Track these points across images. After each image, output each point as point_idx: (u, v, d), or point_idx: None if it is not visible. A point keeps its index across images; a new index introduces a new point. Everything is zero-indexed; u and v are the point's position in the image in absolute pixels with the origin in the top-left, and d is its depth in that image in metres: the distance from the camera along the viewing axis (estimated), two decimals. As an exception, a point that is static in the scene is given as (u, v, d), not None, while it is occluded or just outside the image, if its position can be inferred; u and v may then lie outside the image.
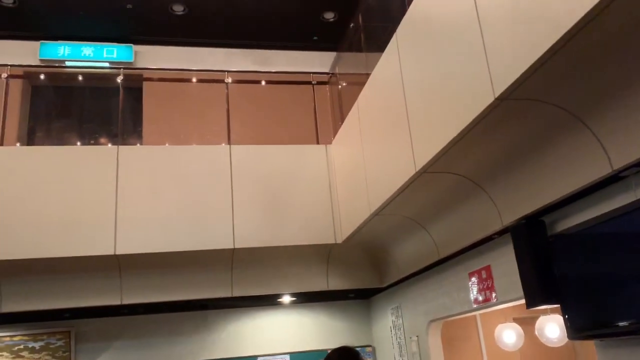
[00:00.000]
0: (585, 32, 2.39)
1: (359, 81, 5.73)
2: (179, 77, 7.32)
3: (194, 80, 7.39)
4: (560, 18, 2.42)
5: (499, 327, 5.89)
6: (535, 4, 2.61)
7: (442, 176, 4.04)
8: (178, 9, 7.86)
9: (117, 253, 5.49)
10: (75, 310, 5.90)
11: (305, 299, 6.96)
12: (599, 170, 3.02)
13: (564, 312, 3.53)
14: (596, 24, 2.34)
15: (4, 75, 6.29)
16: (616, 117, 2.82)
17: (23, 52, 7.73)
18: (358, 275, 6.42)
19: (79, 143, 7.34)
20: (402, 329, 6.42)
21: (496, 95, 2.92)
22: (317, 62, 8.12)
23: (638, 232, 3.01)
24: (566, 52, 2.54)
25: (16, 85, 6.99)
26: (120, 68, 6.93)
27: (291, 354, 7.03)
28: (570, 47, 2.50)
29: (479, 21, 3.10)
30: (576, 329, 3.46)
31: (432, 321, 5.73)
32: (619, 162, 2.89)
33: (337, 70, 7.29)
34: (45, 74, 7.77)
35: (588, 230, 3.36)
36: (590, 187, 3.21)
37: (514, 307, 5.05)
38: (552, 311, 4.84)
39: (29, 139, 7.35)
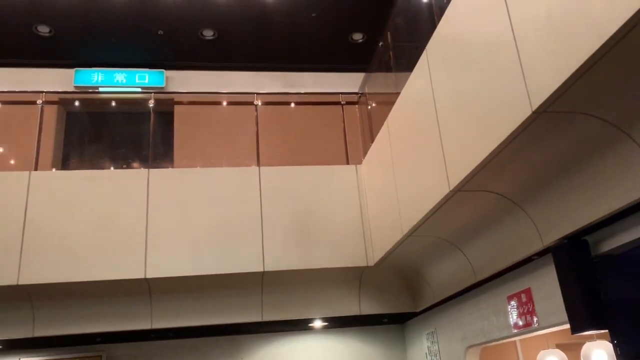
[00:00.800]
0: (624, 41, 2.26)
1: (389, 100, 5.65)
2: (209, 100, 7.39)
3: (224, 103, 7.44)
4: (599, 27, 2.29)
5: (541, 353, 5.61)
6: (572, 16, 2.49)
7: (477, 195, 3.89)
8: (208, 33, 7.97)
9: (148, 277, 5.47)
10: (106, 334, 5.89)
11: (337, 323, 6.80)
12: (648, 185, 2.84)
13: (613, 337, 3.31)
14: (637, 31, 2.21)
15: (39, 101, 6.43)
16: (665, 128, 2.65)
17: (58, 80, 7.94)
18: (391, 300, 6.24)
19: (111, 168, 7.44)
20: (438, 355, 6.19)
21: (534, 109, 2.79)
22: (345, 83, 8.08)
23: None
24: (606, 62, 2.40)
25: (51, 112, 7.14)
26: (151, 92, 7.02)
27: (323, 380, 6.85)
28: (610, 57, 2.37)
29: (513, 34, 2.99)
30: (626, 356, 3.23)
31: (469, 347, 5.50)
32: (670, 177, 2.71)
33: (366, 90, 7.24)
34: (79, 100, 7.94)
35: (636, 250, 3.16)
36: (636, 204, 3.02)
37: (557, 332, 4.78)
38: (599, 337, 4.59)
39: (63, 163, 7.48)
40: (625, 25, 2.18)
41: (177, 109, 7.61)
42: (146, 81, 8.23)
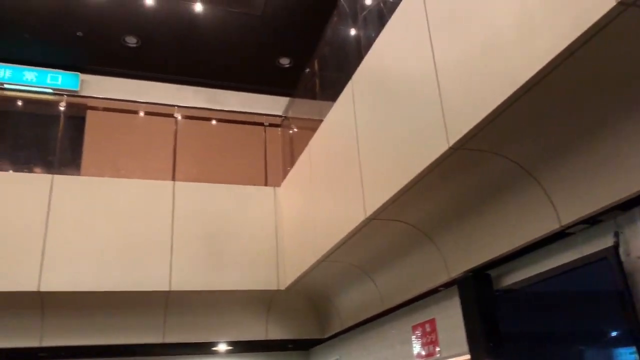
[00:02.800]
0: (539, 87, 2.44)
1: (311, 126, 5.70)
2: (126, 109, 7.09)
3: (142, 113, 7.18)
4: (516, 72, 2.46)
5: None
6: (492, 59, 2.65)
7: (391, 224, 3.98)
8: (131, 40, 7.71)
9: (41, 290, 5.06)
10: (-14, 351, 5.36)
11: (242, 348, 6.63)
12: (548, 225, 3.03)
13: (510, 369, 3.46)
14: (550, 79, 2.39)
15: None
16: (566, 173, 2.86)
17: (-42, 71, 7.33)
18: (299, 325, 6.20)
19: (10, 170, 6.90)
20: (341, 383, 6.19)
21: (450, 144, 2.92)
22: (270, 105, 8.10)
23: (583, 289, 3.02)
24: (520, 106, 2.57)
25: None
26: (63, 94, 6.64)
27: (223, 407, 6.62)
28: (523, 101, 2.54)
29: (436, 72, 3.13)
30: (521, 388, 3.39)
31: (372, 375, 5.54)
32: (567, 218, 2.91)
33: (290, 114, 7.28)
34: (-20, 95, 7.37)
35: (534, 286, 3.35)
36: (537, 242, 3.22)
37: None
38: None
39: (-45, 162, 6.86)
40: (539, 73, 2.35)
41: (91, 114, 7.23)
42: (59, 82, 7.79)
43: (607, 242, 2.85)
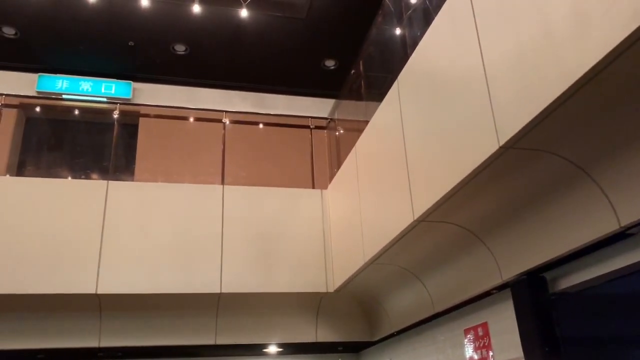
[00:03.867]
0: (592, 83, 2.34)
1: (358, 128, 5.68)
2: (176, 115, 7.27)
3: (191, 119, 7.34)
4: (568, 69, 2.36)
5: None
6: (543, 55, 2.55)
7: (440, 226, 3.91)
8: (180, 48, 7.90)
9: (99, 292, 5.25)
10: (50, 351, 5.58)
11: (292, 350, 6.67)
12: (606, 226, 2.90)
13: (567, 375, 3.33)
14: (604, 75, 2.29)
15: (-2, 104, 6.21)
16: (625, 171, 2.72)
17: (21, 84, 7.69)
18: (348, 328, 6.17)
19: (69, 177, 7.20)
20: (392, 386, 6.12)
21: (501, 144, 2.83)
22: (315, 107, 8.12)
23: (646, 293, 2.87)
24: (573, 103, 2.47)
25: (10, 116, 6.90)
26: (117, 103, 6.87)
27: (274, 408, 6.67)
28: (577, 98, 2.44)
29: (484, 70, 3.05)
30: (579, 395, 3.26)
31: (424, 379, 5.46)
32: (627, 219, 2.77)
33: (335, 116, 7.28)
34: (41, 106, 7.70)
35: (592, 290, 3.21)
36: (595, 243, 3.08)
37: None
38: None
39: (19, 170, 7.21)
40: (592, 69, 2.24)
41: (143, 121, 7.47)
42: (112, 92, 8.06)
43: (672, 243, 2.70)
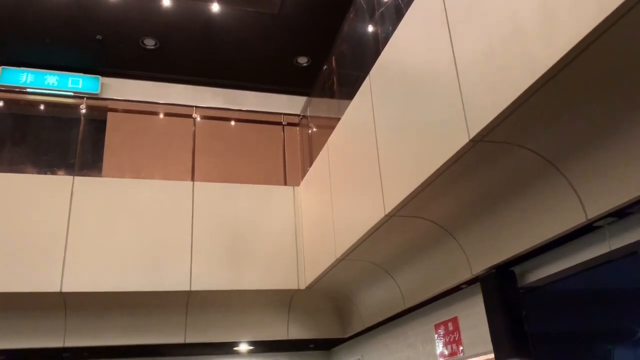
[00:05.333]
0: (559, 77, 2.36)
1: (330, 124, 5.66)
2: (146, 110, 7.13)
3: (161, 114, 7.21)
4: (536, 63, 2.38)
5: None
6: (512, 50, 2.57)
7: (411, 221, 3.91)
8: (149, 42, 7.76)
9: (64, 290, 5.11)
10: (12, 352, 5.41)
11: (264, 348, 6.61)
12: (573, 219, 2.94)
13: (535, 368, 3.37)
14: (570, 70, 2.31)
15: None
16: (592, 165, 2.76)
17: (-18, 76, 7.45)
18: (320, 325, 6.15)
19: (33, 173, 6.99)
20: (363, 383, 6.12)
21: (471, 137, 2.84)
22: (288, 104, 8.07)
23: (612, 285, 2.92)
24: (541, 97, 2.49)
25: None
26: (84, 97, 6.70)
27: (245, 407, 6.61)
28: (544, 92, 2.46)
29: (455, 65, 3.06)
30: (547, 387, 3.30)
31: (395, 375, 5.47)
32: (594, 211, 2.81)
33: (308, 113, 7.24)
34: (4, 99, 7.45)
35: (560, 283, 3.25)
36: (562, 237, 3.12)
37: (480, 362, 4.85)
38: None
39: (-21, 165, 6.98)
40: (558, 63, 2.27)
41: (111, 116, 7.30)
42: (79, 86, 7.87)
43: (637, 235, 2.75)
